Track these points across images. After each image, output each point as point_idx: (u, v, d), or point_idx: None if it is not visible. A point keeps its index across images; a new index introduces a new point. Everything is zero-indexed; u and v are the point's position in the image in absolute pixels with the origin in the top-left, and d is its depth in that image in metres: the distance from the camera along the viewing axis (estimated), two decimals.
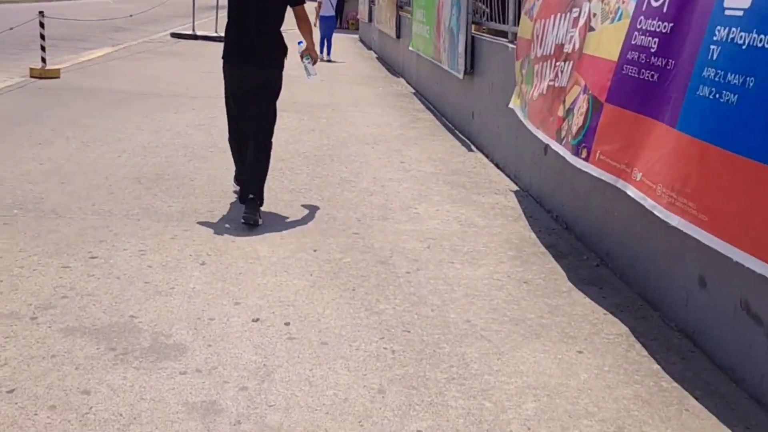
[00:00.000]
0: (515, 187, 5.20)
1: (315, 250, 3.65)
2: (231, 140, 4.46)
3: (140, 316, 2.78)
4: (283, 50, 4.21)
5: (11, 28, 9.83)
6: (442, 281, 3.33)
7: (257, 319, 2.81)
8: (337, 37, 16.30)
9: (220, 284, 3.14)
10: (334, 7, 14.36)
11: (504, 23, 6.06)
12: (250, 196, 3.97)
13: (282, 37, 4.24)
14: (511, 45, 5.57)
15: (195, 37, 16.06)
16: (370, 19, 17.21)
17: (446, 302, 3.09)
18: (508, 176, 5.49)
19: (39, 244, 3.47)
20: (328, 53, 13.75)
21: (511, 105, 5.07)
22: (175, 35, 16.31)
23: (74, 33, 15.68)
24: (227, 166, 5.21)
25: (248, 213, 3.90)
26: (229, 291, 3.07)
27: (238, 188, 4.41)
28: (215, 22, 17.19)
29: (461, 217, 4.39)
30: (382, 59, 14.70)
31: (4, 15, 17.84)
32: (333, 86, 10.06)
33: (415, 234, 4.01)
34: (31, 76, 8.83)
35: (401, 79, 11.55)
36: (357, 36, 20.88)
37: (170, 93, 8.53)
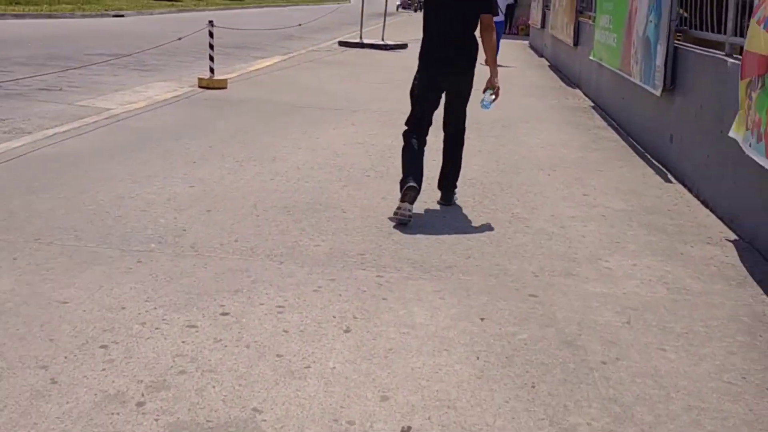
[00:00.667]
0: (733, 236, 4.20)
1: (482, 319, 2.96)
2: (409, 138, 4.46)
3: (265, 410, 2.22)
4: (477, 53, 4.39)
5: (180, 38, 9.97)
6: (651, 380, 2.52)
7: (409, 429, 2.16)
8: (506, 43, 15.48)
9: (365, 365, 2.53)
10: (504, 12, 13.60)
11: (720, 32, 5.03)
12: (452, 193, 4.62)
13: (476, 41, 4.38)
14: (731, 60, 4.56)
15: (362, 45, 15.88)
16: (543, 25, 16.21)
17: (661, 419, 2.28)
18: (722, 219, 4.49)
19: (168, 293, 3.05)
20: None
21: (731, 134, 4.10)
22: (342, 43, 16.24)
23: (250, 41, 16.05)
24: (383, 195, 4.66)
25: (445, 200, 4.60)
26: (376, 377, 2.45)
27: (403, 209, 4.10)
28: (382, 29, 16.97)
29: (667, 277, 3.51)
30: (555, 68, 13.71)
31: (195, 22, 18.74)
32: (501, 97, 9.31)
33: (609, 300, 3.21)
34: (200, 87, 8.84)
35: (577, 91, 10.56)
36: (527, 42, 19.90)
37: (331, 106, 8.18)
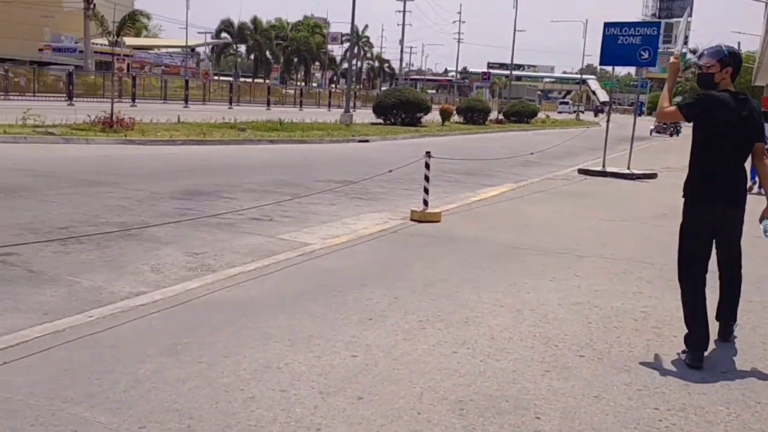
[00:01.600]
0: None
1: None
2: (685, 285, 4.16)
3: None
4: (746, 184, 4.19)
5: (390, 171, 9.59)
6: None
7: None
8: None
9: None
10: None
11: None
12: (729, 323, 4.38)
13: (745, 171, 4.18)
14: None
15: (604, 173, 14.59)
16: None
17: None
18: None
19: None
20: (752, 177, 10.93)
21: None
22: (582, 171, 15.08)
23: (483, 167, 15.53)
24: (598, 391, 3.43)
25: (723, 336, 4.35)
26: None
27: (689, 357, 3.98)
28: (628, 156, 15.56)
29: None
30: None
31: (434, 147, 18.95)
32: None
33: None
34: (411, 219, 8.24)
35: None
36: None
37: (554, 248, 7.05)
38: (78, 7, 55.47)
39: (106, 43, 62.46)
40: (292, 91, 58.34)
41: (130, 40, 74.51)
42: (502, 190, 11.63)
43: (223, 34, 77.02)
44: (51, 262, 5.38)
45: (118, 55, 58.49)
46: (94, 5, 52.56)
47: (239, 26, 76.15)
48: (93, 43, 66.19)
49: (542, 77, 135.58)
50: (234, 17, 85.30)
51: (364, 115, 35.67)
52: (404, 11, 73.72)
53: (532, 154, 17.42)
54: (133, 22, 18.42)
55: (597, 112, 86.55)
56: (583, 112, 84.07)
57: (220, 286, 4.98)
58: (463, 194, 11.23)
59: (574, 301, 5.17)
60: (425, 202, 8.39)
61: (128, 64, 58.78)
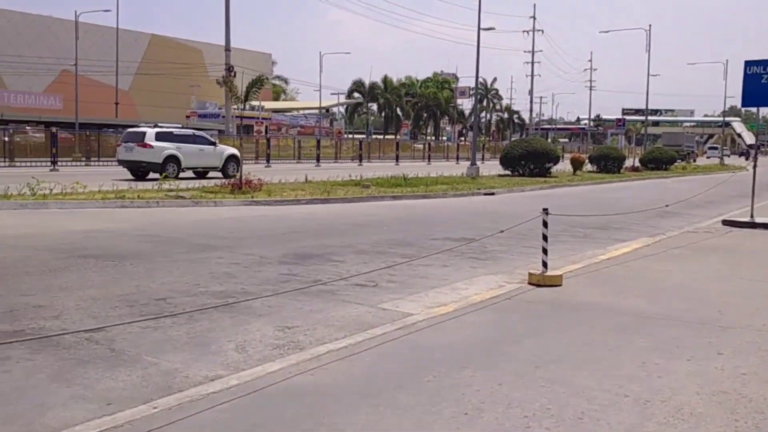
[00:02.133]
0: None
1: None
2: None
3: None
4: None
5: (509, 227, 8.89)
6: None
7: None
8: None
9: None
10: None
11: None
12: None
13: None
14: None
15: (752, 225, 13.09)
16: None
17: None
18: None
19: None
20: None
21: None
22: (727, 222, 13.62)
23: (615, 220, 14.43)
24: None
25: None
26: None
27: None
28: None
29: None
30: None
31: (563, 199, 17.97)
32: None
33: None
34: (529, 283, 7.52)
35: None
36: None
37: (693, 317, 6.11)
38: (220, 76, 59.30)
39: (247, 107, 65.94)
40: (421, 146, 58.77)
41: (269, 104, 78.65)
42: (635, 247, 10.59)
43: (356, 94, 79.47)
44: (136, 339, 5.18)
45: (257, 118, 61.71)
46: (235, 74, 55.91)
47: (370, 86, 78.34)
48: (234, 108, 70.50)
49: (681, 121, 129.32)
50: (365, 78, 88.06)
51: (492, 167, 35.08)
52: (532, 62, 72.93)
53: (666, 206, 16.01)
54: (260, 86, 19.02)
55: (745, 155, 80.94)
56: (728, 156, 78.83)
57: (303, 368, 4.54)
58: (591, 251, 10.32)
59: (716, 390, 4.29)
60: (544, 264, 7.65)
61: (266, 127, 61.79)
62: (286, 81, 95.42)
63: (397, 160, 45.69)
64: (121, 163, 25.42)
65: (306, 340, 5.30)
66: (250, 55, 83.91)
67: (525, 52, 72.60)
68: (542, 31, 76.49)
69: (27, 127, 46.51)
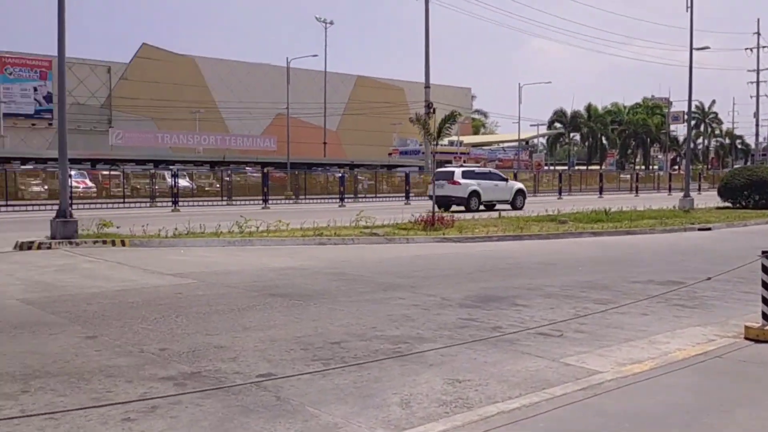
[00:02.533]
0: None
1: None
2: None
3: None
4: None
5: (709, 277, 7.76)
6: None
7: None
8: None
9: None
10: None
11: None
12: None
13: None
14: None
15: None
16: None
17: None
18: None
19: None
20: None
21: None
22: None
23: None
24: None
25: None
26: None
27: None
28: None
29: None
30: None
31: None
32: None
33: None
34: (746, 338, 6.48)
35: None
36: None
37: None
38: (421, 112, 60.74)
39: (446, 143, 66.89)
40: (628, 176, 55.71)
41: (468, 138, 79.23)
42: None
43: (557, 124, 77.55)
44: (302, 387, 5.07)
45: (455, 153, 62.20)
46: (434, 110, 57.00)
47: (572, 115, 76.07)
48: (433, 144, 71.72)
49: None
50: (567, 107, 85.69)
51: (710, 198, 32.19)
52: (758, 81, 66.68)
53: None
54: (452, 122, 18.94)
55: None
56: None
57: None
58: None
59: None
60: (765, 316, 6.57)
61: (464, 161, 62.07)
62: (485, 115, 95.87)
63: (600, 193, 43.56)
64: (431, 197, 28.24)
65: (476, 397, 4.88)
66: (450, 90, 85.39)
67: (749, 71, 66.50)
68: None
69: (247, 168, 50.83)
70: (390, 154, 69.29)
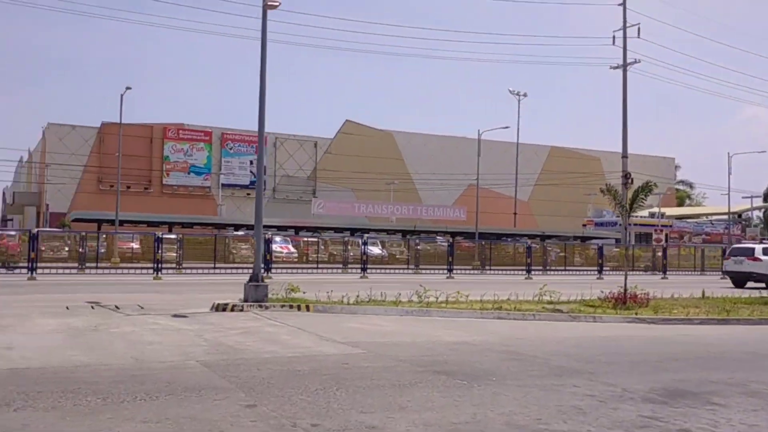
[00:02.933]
0: None
1: None
2: None
3: None
4: None
5: None
6: None
7: None
8: None
9: None
10: None
11: None
12: None
13: None
14: None
15: None
16: None
17: None
18: None
19: None
20: None
21: None
22: None
23: None
24: None
25: None
26: None
27: None
28: None
29: None
30: None
31: None
32: None
33: None
34: None
35: None
36: None
37: None
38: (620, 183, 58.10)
39: (646, 214, 63.18)
40: None
41: (670, 210, 74.44)
42: None
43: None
44: None
45: (656, 226, 58.51)
46: (632, 180, 54.31)
47: None
48: (634, 216, 68.20)
49: None
50: None
51: None
52: None
53: None
54: (647, 193, 17.72)
55: None
56: None
57: None
58: None
59: None
60: None
61: (666, 234, 58.14)
62: (690, 186, 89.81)
63: None
64: (728, 273, 29.96)
65: None
66: (651, 160, 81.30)
67: None
68: None
69: (438, 237, 51.36)
70: (584, 225, 66.77)
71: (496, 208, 70.26)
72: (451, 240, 34.34)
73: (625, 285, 17.66)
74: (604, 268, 35.21)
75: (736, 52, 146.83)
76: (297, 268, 33.17)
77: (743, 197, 62.11)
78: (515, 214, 64.77)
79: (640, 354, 10.44)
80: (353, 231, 53.30)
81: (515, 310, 15.48)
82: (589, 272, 35.73)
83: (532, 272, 33.25)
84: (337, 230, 54.22)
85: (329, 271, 33.32)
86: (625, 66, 53.07)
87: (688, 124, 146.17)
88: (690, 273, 38.74)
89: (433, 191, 73.43)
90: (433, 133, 78.23)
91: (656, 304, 17.65)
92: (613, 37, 54.59)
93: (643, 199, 17.68)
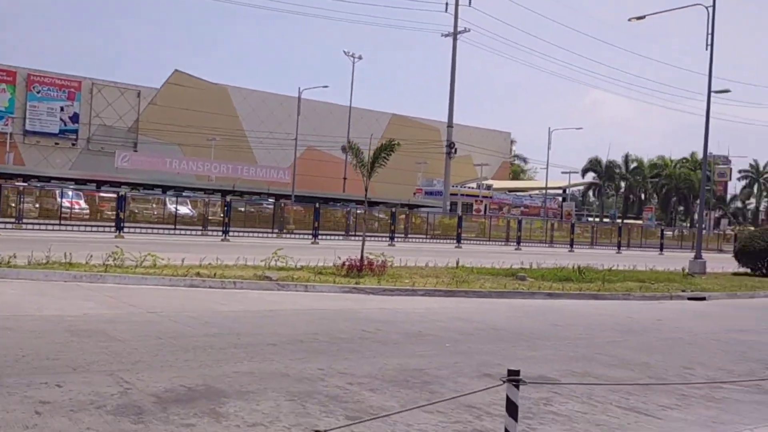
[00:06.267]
0: None
1: None
2: None
3: None
4: None
5: None
6: None
7: None
8: None
9: None
10: None
11: None
12: None
13: None
14: None
15: None
16: None
17: None
18: None
19: None
20: None
21: None
22: None
23: None
24: None
25: None
26: None
27: None
28: None
29: None
30: None
31: None
32: None
33: None
34: None
35: None
36: None
37: None
38: (457, 155, 57.92)
39: (474, 186, 63.56)
40: (671, 233, 51.54)
41: (499, 183, 75.83)
42: None
43: (591, 174, 73.52)
44: None
45: (477, 196, 59.03)
46: (455, 150, 54.15)
47: (607, 165, 71.96)
48: (462, 186, 68.69)
49: None
50: (603, 156, 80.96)
51: (733, 262, 28.08)
52: None
53: None
54: (389, 152, 15.75)
55: None
56: None
57: None
58: (749, 428, 5.61)
59: None
60: None
61: (486, 205, 58.81)
62: (524, 160, 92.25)
63: (618, 248, 39.67)
64: None
65: None
66: (488, 133, 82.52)
67: None
68: None
69: (269, 200, 48.71)
70: (414, 193, 66.47)
71: (332, 172, 68.56)
72: (228, 199, 31.78)
73: (362, 251, 16.03)
74: (396, 235, 34.32)
75: (584, 37, 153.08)
76: (86, 225, 29.33)
77: (562, 172, 64.01)
78: (345, 179, 63.28)
79: (254, 335, 8.43)
80: (165, 188, 49.58)
81: (217, 277, 13.35)
82: (382, 239, 34.53)
83: (320, 237, 31.62)
84: (147, 187, 50.22)
85: (104, 231, 29.41)
86: (455, 34, 52.51)
87: (532, 103, 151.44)
88: (495, 243, 38.52)
89: (269, 152, 70.50)
90: (272, 92, 74.95)
91: (395, 272, 16.21)
92: (446, 4, 53.83)
93: (385, 158, 16.04)
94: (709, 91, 24.36)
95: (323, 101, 73.12)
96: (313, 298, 12.55)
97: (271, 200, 48.12)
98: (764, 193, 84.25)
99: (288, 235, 34.02)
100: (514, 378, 3.27)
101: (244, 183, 59.33)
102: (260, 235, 32.55)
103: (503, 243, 38.51)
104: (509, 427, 3.24)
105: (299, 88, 53.84)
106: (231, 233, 29.51)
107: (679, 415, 6.03)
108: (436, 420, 5.32)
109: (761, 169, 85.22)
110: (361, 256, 15.91)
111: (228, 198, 33.09)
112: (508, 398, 3.32)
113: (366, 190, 16.58)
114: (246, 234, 31.70)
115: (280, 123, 71.18)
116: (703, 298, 17.11)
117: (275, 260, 15.83)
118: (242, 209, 40.63)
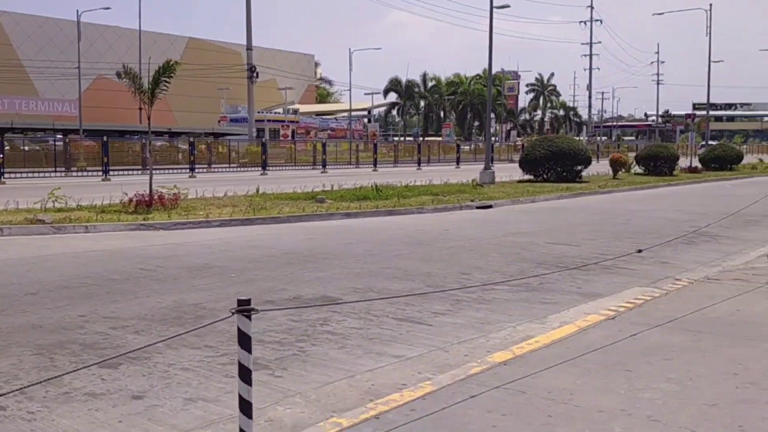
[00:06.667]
0: None
1: None
2: None
3: None
4: None
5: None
6: None
7: None
8: None
9: None
10: None
11: None
12: None
13: None
14: None
15: None
16: None
17: None
18: None
19: None
20: None
21: None
22: None
23: (613, 249, 9.91)
24: None
25: None
26: None
27: None
28: None
29: None
30: None
31: None
32: None
33: None
34: None
35: None
36: None
37: None
38: (260, 79, 56.26)
39: (280, 111, 62.45)
40: (468, 147, 54.23)
41: (306, 107, 75.32)
42: (586, 322, 6.06)
43: (392, 94, 75.24)
44: None
45: (283, 122, 58.28)
46: (257, 74, 52.66)
47: (407, 84, 73.93)
48: (268, 112, 67.37)
49: (761, 116, 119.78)
50: (403, 76, 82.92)
51: (518, 170, 30.16)
52: (590, 54, 67.43)
53: (640, 251, 10.97)
54: (169, 74, 14.61)
55: None
56: None
57: None
58: (513, 325, 5.94)
59: None
60: None
61: (293, 130, 58.29)
62: (330, 83, 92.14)
63: (419, 165, 41.21)
64: None
65: None
66: (291, 56, 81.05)
67: (583, 44, 66.95)
68: (601, 21, 70.86)
69: (57, 136, 44.40)
70: (219, 121, 64.24)
71: (127, 103, 64.01)
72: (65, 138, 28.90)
73: (150, 184, 15.10)
74: (195, 166, 33.07)
75: None
76: None
77: (365, 94, 64.79)
78: (140, 109, 59.46)
79: (10, 286, 7.63)
80: None
81: None
82: (182, 171, 33.14)
83: (111, 173, 29.71)
84: None
85: None
86: None
87: (334, 25, 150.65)
88: (302, 168, 38.30)
89: (53, 84, 64.33)
90: (49, 16, 67.82)
91: (190, 205, 15.52)
92: None
93: (166, 82, 15.00)
94: (491, 7, 25.37)
95: (110, 25, 67.66)
96: (93, 239, 11.65)
97: (59, 136, 44.20)
98: (548, 105, 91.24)
99: (78, 173, 31.56)
100: (244, 308, 3.06)
101: (25, 119, 53.95)
102: (45, 175, 29.92)
103: (311, 167, 38.44)
104: (242, 359, 3.05)
105: (77, 11, 49.07)
106: (7, 175, 26.74)
107: (450, 320, 6.25)
108: (202, 355, 5.07)
109: (546, 82, 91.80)
110: (150, 190, 15.00)
111: (5, 136, 29.80)
112: (239, 329, 3.12)
113: (149, 119, 15.50)
114: (27, 175, 28.97)
115: (62, 51, 64.97)
116: (490, 206, 18.19)
117: (53, 201, 14.51)
118: (25, 148, 37.08)
